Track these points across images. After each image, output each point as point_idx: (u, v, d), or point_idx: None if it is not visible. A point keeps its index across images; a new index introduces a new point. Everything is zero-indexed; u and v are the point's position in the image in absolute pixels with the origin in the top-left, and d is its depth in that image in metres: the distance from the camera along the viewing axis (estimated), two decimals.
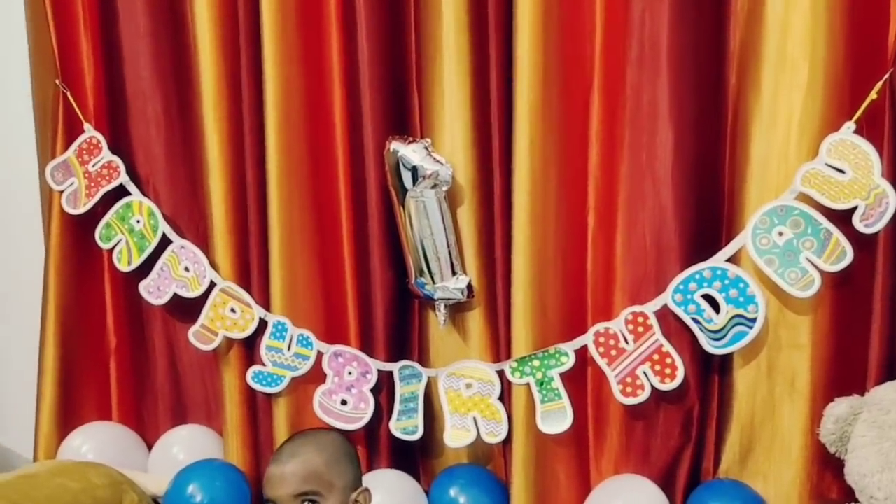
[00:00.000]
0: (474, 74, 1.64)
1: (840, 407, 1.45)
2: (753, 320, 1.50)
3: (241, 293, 1.80)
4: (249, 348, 1.82)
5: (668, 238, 1.56)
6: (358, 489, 1.24)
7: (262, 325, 1.78)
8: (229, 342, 1.82)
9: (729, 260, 1.52)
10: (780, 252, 1.47)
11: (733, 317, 1.51)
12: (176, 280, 1.83)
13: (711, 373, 1.61)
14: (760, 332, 1.51)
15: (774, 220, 1.48)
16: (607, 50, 1.57)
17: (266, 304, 1.79)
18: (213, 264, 1.82)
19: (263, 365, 1.78)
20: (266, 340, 1.78)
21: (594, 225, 1.63)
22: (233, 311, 1.80)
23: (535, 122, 1.57)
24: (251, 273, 1.81)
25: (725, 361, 1.60)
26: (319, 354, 1.76)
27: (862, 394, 1.47)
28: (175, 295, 1.83)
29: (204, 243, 1.84)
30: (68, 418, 1.93)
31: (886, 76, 1.40)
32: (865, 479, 1.40)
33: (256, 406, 1.84)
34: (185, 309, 1.86)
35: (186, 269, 1.82)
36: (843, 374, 1.53)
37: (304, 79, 1.74)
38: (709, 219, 1.57)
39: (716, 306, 1.52)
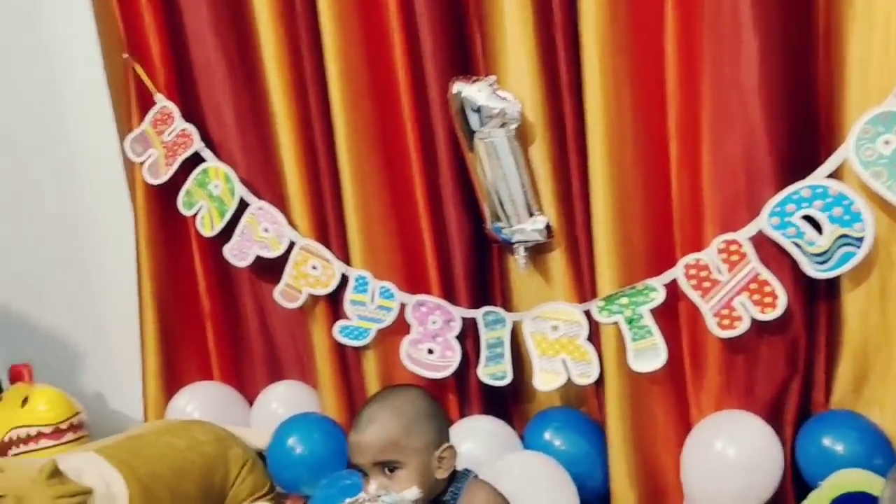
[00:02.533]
0: (536, 2, 1.56)
1: None
2: (861, 239, 1.39)
3: (320, 250, 1.83)
4: (334, 303, 1.85)
5: (760, 158, 1.46)
6: (442, 446, 1.23)
7: (344, 279, 1.81)
8: (314, 299, 1.86)
9: (830, 176, 1.41)
10: (888, 162, 1.35)
11: (839, 237, 1.41)
12: (257, 241, 1.88)
13: (817, 299, 1.52)
14: (870, 252, 1.40)
15: (879, 129, 1.35)
16: None
17: (346, 259, 1.81)
18: (291, 223, 1.85)
19: (349, 319, 1.82)
20: (349, 294, 1.80)
21: (677, 150, 1.55)
22: (314, 267, 1.83)
23: (604, 43, 1.49)
24: (329, 229, 1.83)
25: (832, 286, 1.51)
26: (402, 305, 1.78)
27: None
28: (258, 256, 1.89)
29: (281, 204, 1.87)
30: (172, 381, 2.04)
31: None
32: None
33: (346, 359, 1.89)
34: (270, 269, 1.91)
35: (266, 230, 1.87)
36: None
37: (362, 28, 1.71)
38: (804, 133, 1.46)
39: (818, 227, 1.42)
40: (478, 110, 1.56)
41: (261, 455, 1.82)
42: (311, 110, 1.77)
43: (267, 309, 2.01)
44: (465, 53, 1.67)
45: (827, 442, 1.50)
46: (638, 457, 1.64)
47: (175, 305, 2.04)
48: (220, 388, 2.07)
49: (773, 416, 1.56)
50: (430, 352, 1.76)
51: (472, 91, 1.57)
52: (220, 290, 2.05)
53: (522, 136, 1.62)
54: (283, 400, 1.96)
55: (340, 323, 1.83)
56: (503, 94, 1.57)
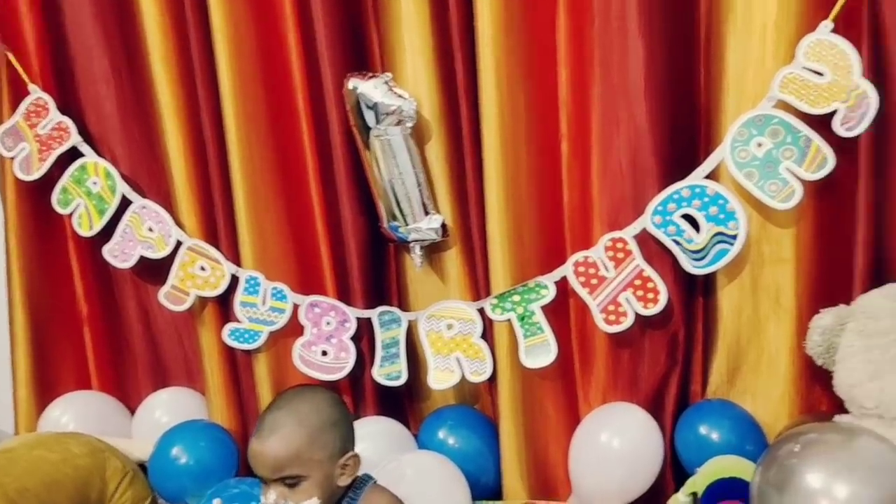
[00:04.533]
0: (433, 2, 1.52)
1: (826, 318, 1.38)
2: (734, 237, 1.41)
3: (209, 250, 1.69)
4: (224, 306, 1.72)
5: (645, 159, 1.47)
6: (346, 454, 1.15)
7: (235, 281, 1.68)
8: (203, 301, 1.72)
9: (708, 176, 1.43)
10: (760, 164, 1.38)
11: (714, 235, 1.42)
12: (140, 241, 1.72)
13: (695, 294, 1.54)
14: (743, 249, 1.43)
15: (752, 131, 1.38)
16: None
17: (236, 260, 1.69)
18: (177, 222, 1.71)
19: (239, 322, 1.69)
20: (239, 296, 1.68)
21: (568, 151, 1.53)
22: (202, 268, 1.69)
23: (500, 47, 1.45)
24: (218, 229, 1.70)
25: (709, 282, 1.53)
26: (295, 307, 1.67)
27: (848, 304, 1.40)
28: (142, 257, 1.72)
29: (167, 201, 1.72)
30: (46, 390, 1.84)
31: None
32: (854, 389, 1.34)
33: (236, 363, 1.76)
34: (155, 270, 1.75)
35: (150, 230, 1.71)
36: (828, 285, 1.45)
37: (255, 21, 1.60)
38: (686, 136, 1.47)
39: (696, 226, 1.44)
40: (374, 107, 1.49)
41: (143, 467, 1.66)
42: (200, 103, 1.64)
43: (151, 312, 1.85)
44: (362, 49, 1.59)
45: (703, 430, 1.51)
46: (529, 451, 1.61)
47: (49, 309, 1.84)
48: (98, 396, 1.88)
49: (655, 407, 1.57)
50: (324, 353, 1.67)
51: (367, 87, 1.49)
52: (100, 293, 1.87)
53: (418, 135, 1.56)
54: (167, 408, 1.81)
55: (230, 326, 1.70)
56: (399, 91, 1.51)
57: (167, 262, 1.71)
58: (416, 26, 1.53)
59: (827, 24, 1.32)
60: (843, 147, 1.35)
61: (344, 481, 1.15)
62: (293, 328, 1.68)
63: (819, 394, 1.50)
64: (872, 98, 1.29)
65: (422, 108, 1.54)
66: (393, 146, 1.51)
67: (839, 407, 1.39)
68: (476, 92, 1.49)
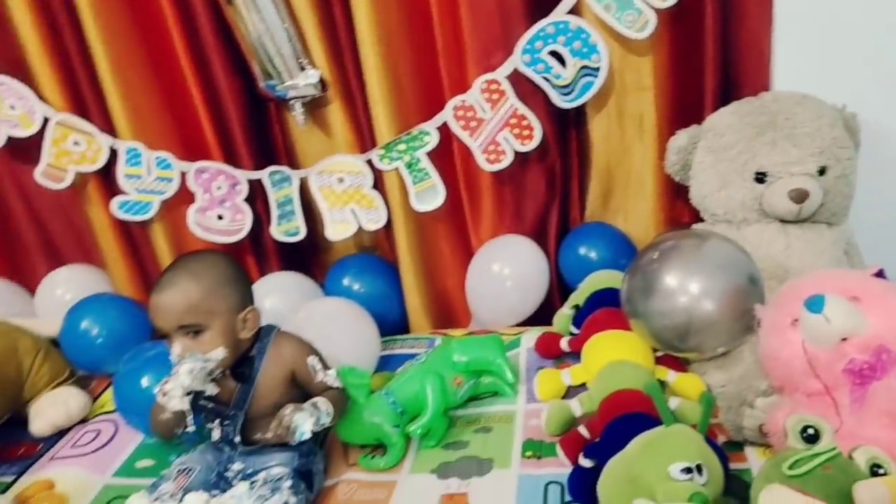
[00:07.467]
0: None
1: (680, 138, 1.47)
2: (598, 69, 1.48)
3: (81, 124, 1.63)
4: (108, 179, 1.68)
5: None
6: (246, 309, 1.20)
7: (114, 154, 1.64)
8: (84, 177, 1.68)
9: (570, 12, 1.47)
10: None
11: (580, 69, 1.49)
12: (5, 121, 1.63)
13: (568, 127, 1.61)
14: (607, 80, 1.49)
15: None
16: None
17: (112, 132, 1.63)
18: (41, 97, 1.62)
19: (126, 194, 1.67)
20: (123, 169, 1.65)
21: None
22: (77, 143, 1.64)
23: None
24: (86, 101, 1.63)
25: (580, 114, 1.60)
26: (182, 174, 1.66)
27: (700, 124, 1.49)
28: (10, 137, 1.64)
29: (25, 75, 1.62)
30: None
31: None
32: (706, 199, 1.45)
33: (132, 236, 1.75)
34: (28, 149, 1.67)
35: (12, 107, 1.62)
36: (683, 108, 1.55)
37: None
38: None
39: (562, 61, 1.49)
40: None
41: (55, 342, 1.69)
42: None
43: (30, 192, 1.78)
44: None
45: (582, 251, 1.64)
46: (429, 287, 1.71)
47: None
48: None
49: (539, 236, 1.68)
50: (220, 217, 1.69)
51: None
52: None
53: None
54: (68, 285, 1.80)
55: (118, 199, 1.67)
56: None
57: (38, 139, 1.64)
58: None
59: None
60: None
61: (246, 334, 1.20)
62: (184, 196, 1.68)
63: (681, 207, 1.63)
64: None
65: None
66: (256, 0, 1.46)
67: (697, 217, 1.52)
68: None
